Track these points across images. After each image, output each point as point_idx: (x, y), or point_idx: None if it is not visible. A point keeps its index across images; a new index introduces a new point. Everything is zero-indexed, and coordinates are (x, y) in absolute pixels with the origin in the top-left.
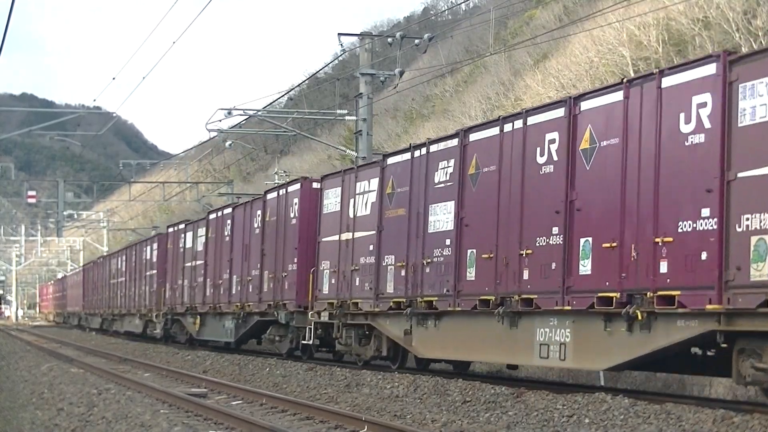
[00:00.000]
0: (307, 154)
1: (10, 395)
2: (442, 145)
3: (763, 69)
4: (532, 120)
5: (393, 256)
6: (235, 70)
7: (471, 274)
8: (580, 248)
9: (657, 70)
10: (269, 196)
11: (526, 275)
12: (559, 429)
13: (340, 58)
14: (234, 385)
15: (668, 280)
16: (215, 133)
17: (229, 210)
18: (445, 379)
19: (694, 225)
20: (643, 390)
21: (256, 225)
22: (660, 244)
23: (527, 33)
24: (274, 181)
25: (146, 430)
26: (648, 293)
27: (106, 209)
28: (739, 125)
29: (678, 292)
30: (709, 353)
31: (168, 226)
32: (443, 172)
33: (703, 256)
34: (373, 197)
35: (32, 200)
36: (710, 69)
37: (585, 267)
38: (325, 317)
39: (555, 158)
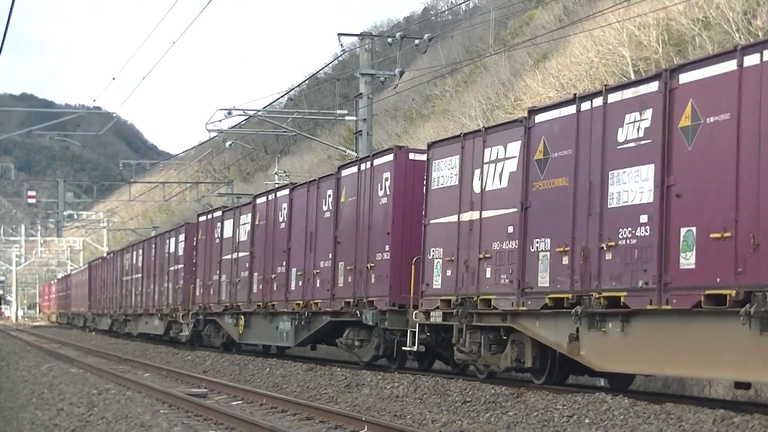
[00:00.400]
0: (307, 154)
1: (10, 395)
2: (629, 93)
3: None
4: None
5: (547, 240)
6: (235, 70)
7: (688, 260)
8: None
9: None
10: (345, 172)
11: None
12: (559, 429)
13: (340, 58)
14: (234, 385)
15: None
16: (215, 134)
17: (284, 192)
18: (445, 379)
19: None
20: (643, 390)
21: (325, 208)
22: None
23: (527, 33)
24: (274, 182)
25: (146, 430)
26: None
27: (106, 209)
28: None
29: None
30: None
31: (199, 215)
32: (633, 128)
33: None
34: (511, 166)
35: (32, 200)
36: None
37: None
38: (436, 318)
39: None
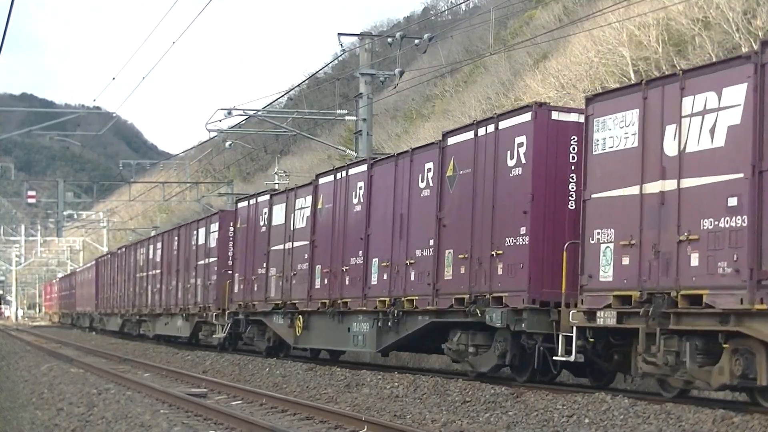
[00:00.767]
0: (307, 154)
1: (10, 395)
2: None
3: None
4: None
5: None
6: (235, 70)
7: None
8: None
9: None
10: (453, 139)
11: None
12: (559, 429)
13: (340, 58)
14: (234, 385)
15: None
16: (215, 133)
17: (360, 169)
18: (445, 379)
19: None
20: (643, 390)
21: (422, 184)
22: None
23: (527, 33)
24: (274, 182)
25: (146, 430)
26: None
27: (106, 209)
28: None
29: None
30: None
31: (237, 201)
32: None
33: None
34: (730, 117)
35: (32, 200)
36: None
37: None
38: (608, 319)
39: None
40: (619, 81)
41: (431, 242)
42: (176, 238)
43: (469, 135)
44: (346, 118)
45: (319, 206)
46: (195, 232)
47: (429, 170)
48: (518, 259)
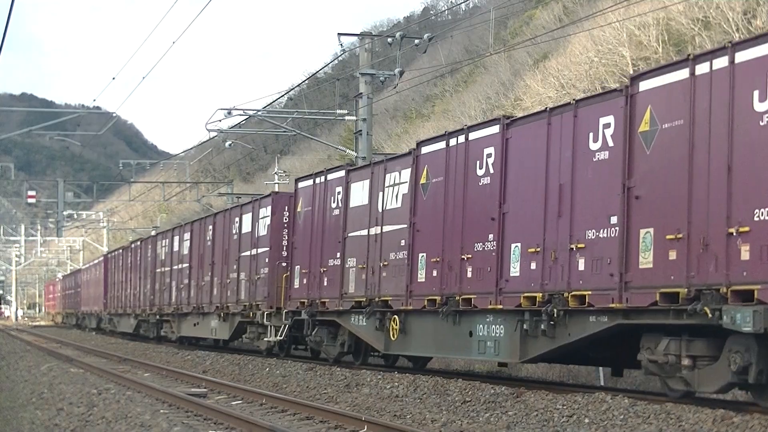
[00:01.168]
0: (307, 154)
1: (10, 395)
2: None
3: None
4: None
5: None
6: (235, 70)
7: None
8: None
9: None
10: (648, 83)
11: None
12: (559, 429)
13: (340, 58)
14: (234, 385)
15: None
16: (215, 133)
17: (489, 131)
18: (445, 379)
19: None
20: (643, 390)
21: (594, 145)
22: None
23: (527, 33)
24: (274, 181)
25: (146, 430)
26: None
27: (106, 209)
28: None
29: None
30: None
31: (298, 179)
32: None
33: None
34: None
35: (32, 200)
36: None
37: None
38: None
39: None
40: (619, 81)
41: (613, 219)
42: (210, 227)
43: (683, 74)
44: (346, 118)
45: (423, 181)
46: (237, 219)
47: (608, 125)
48: None
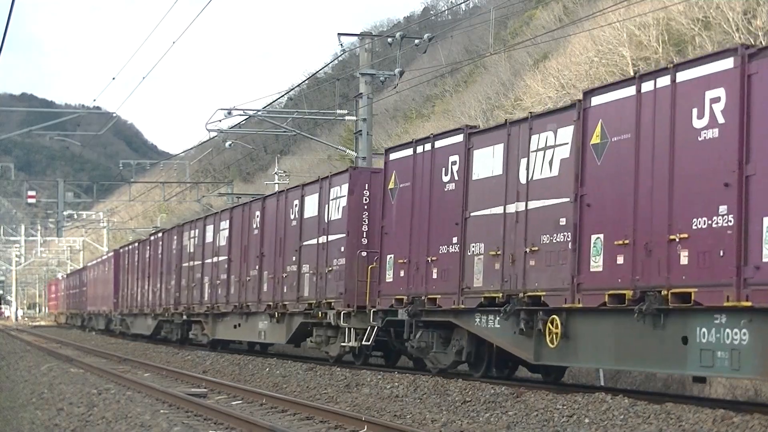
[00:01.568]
0: (307, 154)
1: (10, 395)
2: None
3: None
4: None
5: None
6: (235, 70)
7: None
8: None
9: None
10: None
11: None
12: (559, 429)
13: (340, 58)
14: (234, 385)
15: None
16: (215, 133)
17: (717, 66)
18: (445, 379)
19: None
20: (643, 390)
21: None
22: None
23: (527, 33)
24: (274, 181)
25: (146, 430)
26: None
27: (106, 209)
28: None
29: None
30: None
31: (389, 150)
32: None
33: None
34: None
35: (32, 200)
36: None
37: None
38: None
39: None
40: None
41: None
42: (258, 213)
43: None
44: (346, 118)
45: (594, 140)
46: (297, 202)
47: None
48: None
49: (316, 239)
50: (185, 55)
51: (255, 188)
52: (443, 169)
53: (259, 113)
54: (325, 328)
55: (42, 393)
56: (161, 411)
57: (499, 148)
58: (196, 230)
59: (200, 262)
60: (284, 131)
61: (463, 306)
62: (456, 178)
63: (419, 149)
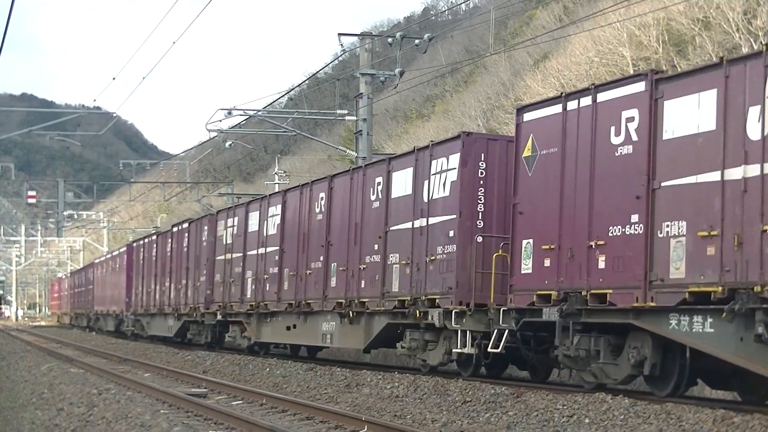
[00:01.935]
0: (307, 154)
1: (10, 395)
2: None
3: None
4: None
5: None
6: (235, 70)
7: None
8: None
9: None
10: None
11: None
12: (559, 429)
13: (340, 58)
14: (234, 385)
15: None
16: (215, 133)
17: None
18: (445, 379)
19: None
20: (643, 390)
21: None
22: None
23: (527, 33)
24: (274, 181)
25: (146, 430)
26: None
27: (106, 209)
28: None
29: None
30: None
31: (521, 110)
32: None
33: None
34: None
35: (32, 200)
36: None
37: None
38: None
39: None
40: None
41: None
42: (322, 195)
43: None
44: (346, 118)
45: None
46: (380, 179)
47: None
48: None
49: (409, 223)
50: (185, 55)
51: (255, 188)
52: (612, 127)
53: (259, 113)
54: (423, 331)
55: (42, 393)
56: (161, 411)
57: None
58: (235, 218)
59: (240, 255)
60: (284, 131)
61: (652, 304)
62: (635, 138)
63: (571, 104)
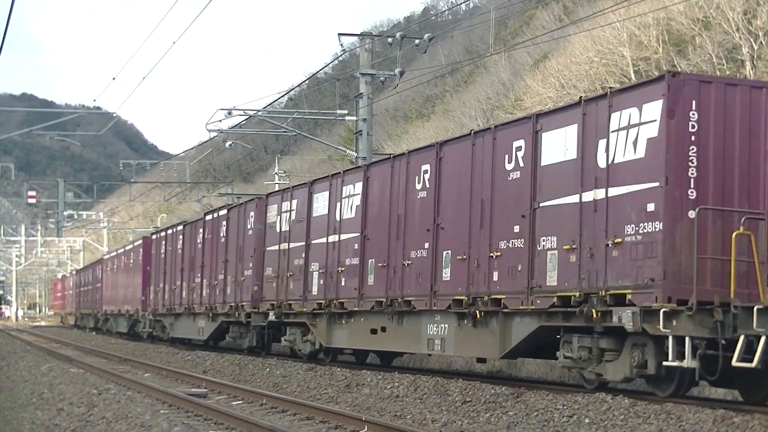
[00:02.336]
0: (307, 154)
1: (10, 395)
2: None
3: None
4: None
5: None
6: (235, 70)
7: None
8: None
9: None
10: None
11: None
12: (559, 429)
13: (340, 58)
14: (234, 385)
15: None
16: (215, 133)
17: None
18: (445, 379)
19: None
20: (643, 390)
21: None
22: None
23: (527, 33)
24: (274, 181)
25: (146, 430)
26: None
27: (106, 209)
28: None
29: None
30: None
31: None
32: None
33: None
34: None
35: (32, 200)
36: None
37: None
38: None
39: None
40: (619, 81)
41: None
42: (426, 167)
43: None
44: (346, 118)
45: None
46: (521, 143)
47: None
48: None
49: (575, 196)
50: (185, 55)
51: (255, 188)
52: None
53: (259, 113)
54: (597, 337)
55: (42, 393)
56: (161, 411)
57: None
58: (293, 201)
59: (302, 244)
60: (284, 131)
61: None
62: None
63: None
